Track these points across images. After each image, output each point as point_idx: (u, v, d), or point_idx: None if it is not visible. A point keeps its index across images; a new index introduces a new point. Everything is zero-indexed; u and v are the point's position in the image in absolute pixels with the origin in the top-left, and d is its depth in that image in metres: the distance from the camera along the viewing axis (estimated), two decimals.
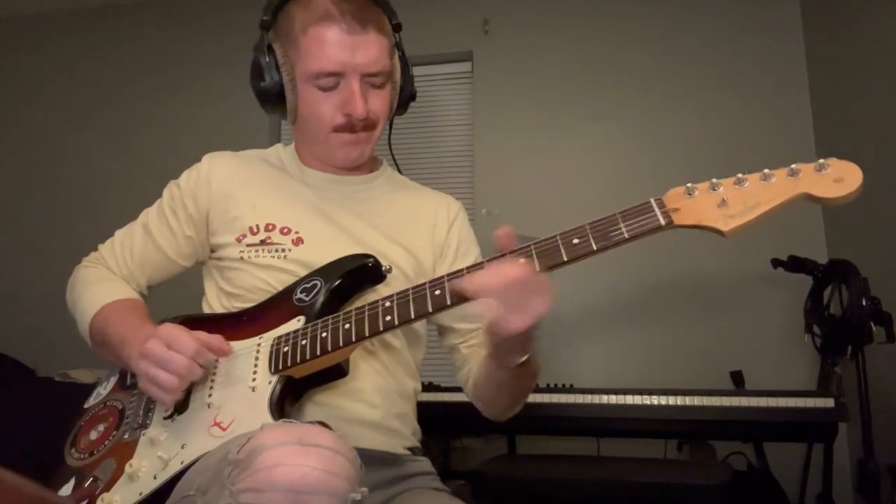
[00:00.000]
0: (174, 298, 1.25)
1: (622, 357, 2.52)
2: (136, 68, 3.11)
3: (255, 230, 1.12)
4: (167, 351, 0.93)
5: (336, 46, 1.05)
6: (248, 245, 1.11)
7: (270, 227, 1.12)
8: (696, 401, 1.88)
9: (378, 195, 1.21)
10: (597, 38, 2.74)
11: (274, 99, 1.13)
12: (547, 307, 0.84)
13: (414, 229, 1.18)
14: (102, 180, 3.02)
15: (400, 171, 1.33)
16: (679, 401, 1.89)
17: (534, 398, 1.95)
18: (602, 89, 2.70)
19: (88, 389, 1.20)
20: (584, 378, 2.25)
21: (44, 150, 3.12)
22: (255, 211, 1.14)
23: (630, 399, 1.91)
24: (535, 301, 0.83)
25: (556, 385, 2.01)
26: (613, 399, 1.92)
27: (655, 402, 1.90)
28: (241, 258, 1.11)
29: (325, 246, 1.09)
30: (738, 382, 2.28)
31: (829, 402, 1.81)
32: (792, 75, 2.58)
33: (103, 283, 1.16)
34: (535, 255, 0.87)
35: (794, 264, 2.03)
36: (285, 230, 1.12)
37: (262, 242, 1.11)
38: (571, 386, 2.00)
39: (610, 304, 2.53)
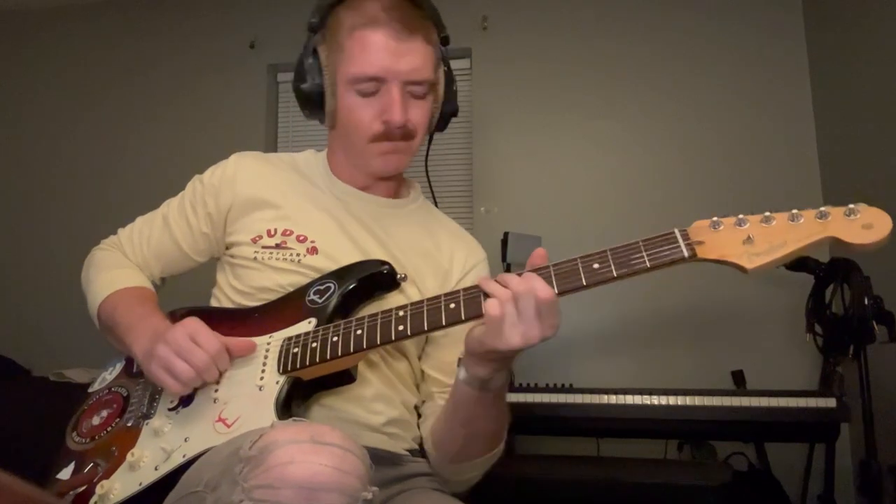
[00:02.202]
0: (183, 289, 1.26)
1: (622, 356, 2.51)
2: (134, 66, 3.09)
3: (272, 233, 1.12)
4: (190, 342, 0.93)
5: (381, 51, 1.03)
6: (262, 247, 1.11)
7: (287, 233, 1.11)
8: (697, 401, 1.87)
9: (401, 223, 1.19)
10: (596, 35, 2.73)
11: (314, 102, 1.11)
12: (543, 337, 0.83)
13: (426, 267, 1.16)
14: (99, 179, 3.00)
15: (432, 190, 1.33)
16: (679, 401, 1.88)
17: (533, 398, 1.95)
18: (602, 86, 2.69)
19: (82, 389, 1.19)
20: (583, 378, 2.24)
21: (40, 148, 3.10)
22: (276, 215, 1.13)
23: (630, 399, 1.90)
24: (536, 326, 0.83)
25: (555, 385, 1.99)
26: (613, 399, 1.90)
27: (655, 402, 1.88)
28: (255, 258, 1.11)
29: (338, 261, 1.09)
30: (739, 382, 2.26)
31: (830, 402, 1.80)
32: (793, 73, 2.57)
33: (118, 268, 1.17)
34: (553, 277, 0.85)
35: (796, 263, 2.01)
36: (301, 238, 1.11)
37: (277, 246, 1.11)
38: (571, 386, 1.98)
39: (610, 303, 2.52)
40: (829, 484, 1.96)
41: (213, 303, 1.18)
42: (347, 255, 1.10)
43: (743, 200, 2.49)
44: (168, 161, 2.85)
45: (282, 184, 1.17)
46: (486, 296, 0.88)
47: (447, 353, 1.14)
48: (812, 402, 1.80)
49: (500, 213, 2.65)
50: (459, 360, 0.96)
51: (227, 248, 1.18)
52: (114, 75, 3.09)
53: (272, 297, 1.09)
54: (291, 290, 1.08)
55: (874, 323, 1.75)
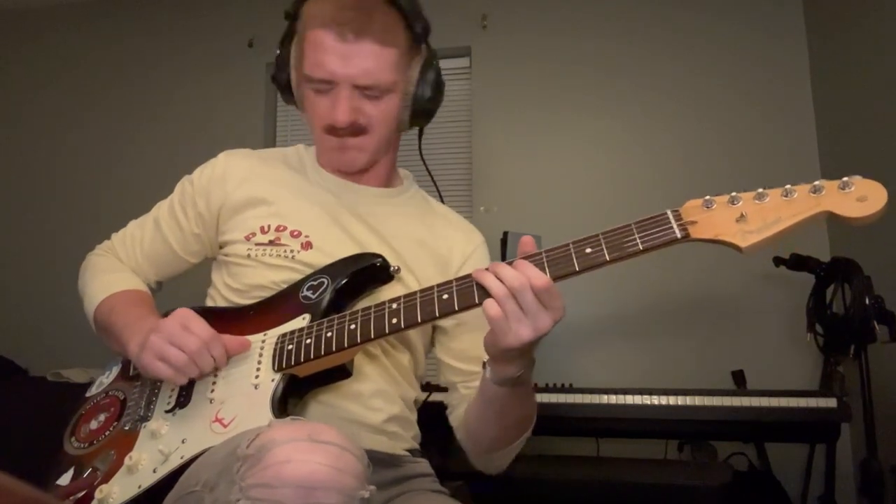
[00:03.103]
0: (181, 290, 1.26)
1: (622, 356, 2.50)
2: (133, 65, 3.08)
3: (265, 230, 1.11)
4: (181, 329, 0.93)
5: (328, 54, 1.02)
6: (256, 244, 1.11)
7: (281, 229, 1.11)
8: (697, 401, 1.86)
9: (396, 213, 1.18)
10: (596, 34, 2.72)
11: (284, 90, 1.14)
12: (552, 323, 0.83)
13: (424, 256, 1.15)
14: (97, 179, 2.99)
15: (435, 182, 1.32)
16: (680, 401, 1.87)
17: None
18: (602, 85, 2.68)
19: (80, 389, 1.19)
20: (583, 377, 2.23)
21: (39, 148, 3.09)
22: (268, 211, 1.13)
23: (630, 399, 1.89)
24: (544, 315, 0.83)
25: (554, 385, 1.99)
26: (613, 399, 1.90)
27: (656, 402, 1.88)
28: (248, 255, 1.10)
29: (333, 255, 1.08)
30: (739, 382, 2.26)
31: (831, 402, 1.80)
32: (793, 72, 2.56)
33: (113, 272, 1.18)
34: (546, 264, 0.85)
35: (797, 262, 2.01)
36: (295, 233, 1.11)
37: (271, 243, 1.10)
38: (570, 385, 1.98)
39: (610, 302, 2.51)
40: (830, 484, 1.96)
41: (209, 302, 1.18)
42: (342, 249, 1.09)
43: None
44: (167, 160, 2.84)
45: (273, 179, 1.17)
46: (481, 288, 0.87)
47: (461, 342, 1.14)
48: (813, 402, 1.80)
49: (500, 213, 2.64)
50: (484, 363, 0.97)
51: (220, 248, 1.17)
52: (112, 74, 3.08)
53: (266, 294, 1.08)
54: (285, 286, 1.07)
55: (875, 323, 1.74)
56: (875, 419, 1.73)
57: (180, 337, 0.93)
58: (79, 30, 3.16)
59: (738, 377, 2.26)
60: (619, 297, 2.47)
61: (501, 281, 0.83)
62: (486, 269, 0.86)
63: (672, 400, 1.87)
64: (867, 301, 1.75)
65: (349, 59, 1.02)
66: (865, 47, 2.20)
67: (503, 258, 2.19)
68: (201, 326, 0.95)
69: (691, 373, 2.27)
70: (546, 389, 1.96)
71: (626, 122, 2.65)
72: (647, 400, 1.88)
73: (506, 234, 2.23)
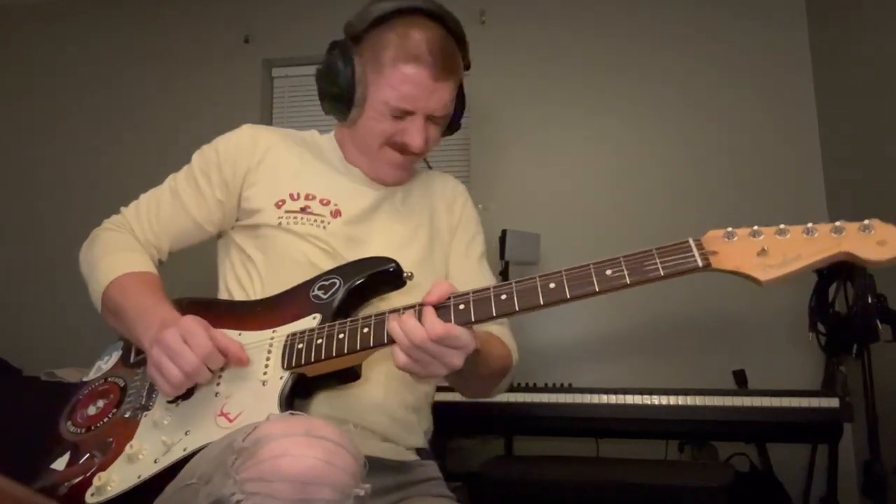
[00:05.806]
0: (189, 272, 1.26)
1: (622, 355, 2.49)
2: (128, 60, 3.06)
3: (295, 197, 1.14)
4: (181, 344, 0.92)
5: (417, 88, 1.09)
6: (287, 211, 1.13)
7: (310, 197, 1.14)
8: (698, 401, 1.86)
9: (410, 198, 1.25)
10: (595, 30, 2.71)
11: (338, 104, 1.15)
12: (462, 362, 0.88)
13: (441, 229, 1.25)
14: (92, 176, 2.97)
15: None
16: (680, 401, 1.86)
17: (532, 398, 1.93)
18: (601, 82, 2.67)
19: (74, 388, 1.17)
20: (583, 377, 2.21)
21: (32, 145, 3.07)
22: (297, 180, 1.16)
23: (630, 399, 1.88)
24: (452, 356, 0.87)
25: (554, 384, 1.98)
26: (613, 399, 1.89)
27: (656, 402, 1.87)
28: (279, 224, 1.11)
29: (362, 223, 1.14)
30: (740, 382, 2.24)
31: (833, 402, 1.79)
32: (796, 65, 2.55)
33: (124, 251, 1.16)
34: (565, 282, 0.87)
35: None
36: (325, 201, 1.14)
37: (302, 210, 1.13)
38: (570, 385, 1.97)
39: (609, 302, 2.49)
40: (832, 485, 1.94)
41: (221, 287, 1.18)
42: (368, 218, 1.15)
43: (745, 198, 2.48)
44: (162, 157, 2.80)
45: (297, 151, 1.21)
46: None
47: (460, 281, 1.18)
48: (815, 402, 1.79)
49: (498, 211, 2.62)
50: None
51: (244, 218, 1.17)
52: (108, 70, 3.06)
53: (295, 267, 1.09)
54: (315, 262, 1.09)
55: (878, 322, 1.74)
56: (878, 419, 1.72)
57: (178, 354, 0.92)
58: (74, 25, 3.14)
59: (740, 377, 2.25)
60: (620, 296, 2.43)
61: (408, 337, 0.86)
62: (395, 322, 0.89)
63: (672, 400, 1.87)
64: (870, 300, 1.75)
65: (433, 94, 1.10)
66: (867, 46, 2.19)
67: (501, 256, 2.18)
68: (200, 342, 0.92)
69: (692, 372, 2.26)
70: (545, 389, 1.95)
71: (624, 119, 2.63)
72: (647, 400, 1.87)
73: (504, 232, 2.22)
